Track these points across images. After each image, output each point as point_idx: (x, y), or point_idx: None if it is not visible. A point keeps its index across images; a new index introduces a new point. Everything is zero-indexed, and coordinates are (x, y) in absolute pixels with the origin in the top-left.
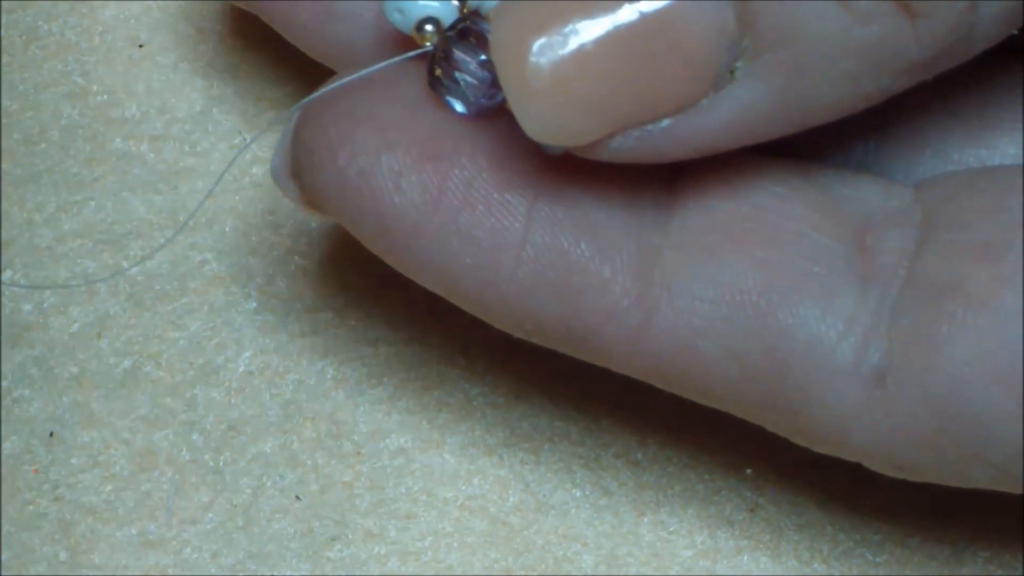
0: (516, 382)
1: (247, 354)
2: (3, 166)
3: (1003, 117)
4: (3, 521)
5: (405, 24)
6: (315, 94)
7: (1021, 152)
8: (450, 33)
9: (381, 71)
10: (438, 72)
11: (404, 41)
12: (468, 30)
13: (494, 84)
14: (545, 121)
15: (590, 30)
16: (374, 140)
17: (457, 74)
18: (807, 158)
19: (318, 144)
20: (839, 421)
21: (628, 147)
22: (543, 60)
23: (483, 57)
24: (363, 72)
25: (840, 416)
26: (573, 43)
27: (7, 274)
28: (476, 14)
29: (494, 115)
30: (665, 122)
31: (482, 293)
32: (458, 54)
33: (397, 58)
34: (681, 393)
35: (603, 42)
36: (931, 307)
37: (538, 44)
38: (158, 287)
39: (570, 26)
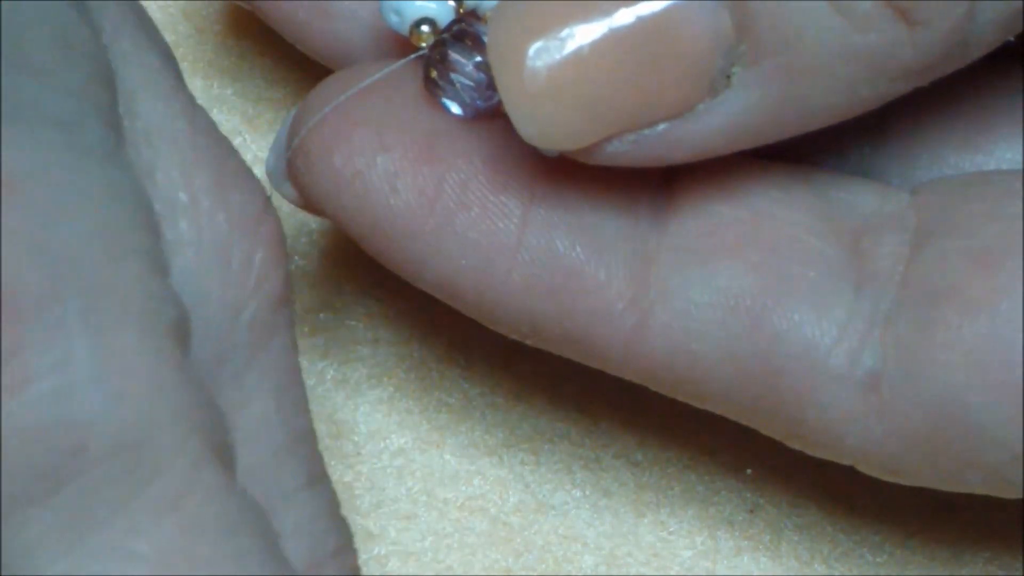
0: (516, 383)
1: None
2: None
3: (1001, 122)
4: None
5: (402, 25)
6: (326, 109)
7: (1019, 157)
8: (445, 35)
9: (377, 70)
10: (434, 74)
11: (401, 40)
12: (464, 32)
13: (490, 86)
14: (541, 124)
15: (587, 34)
16: (370, 142)
17: (453, 76)
18: (803, 162)
19: (314, 146)
20: (833, 425)
21: (624, 151)
22: (539, 64)
23: (479, 59)
24: (362, 84)
25: (834, 420)
26: (570, 47)
27: None
28: (472, 15)
29: (490, 117)
30: (661, 126)
31: (478, 295)
32: (454, 56)
33: (396, 63)
34: (676, 396)
35: (599, 46)
36: (926, 313)
37: (535, 48)
38: None
39: (567, 30)
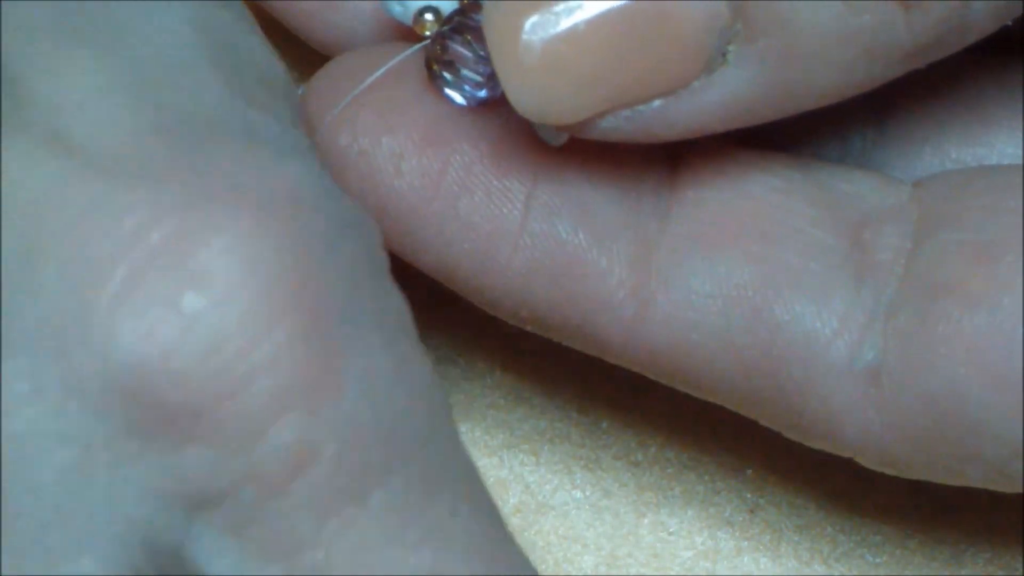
0: (516, 383)
1: None
2: None
3: (1002, 116)
4: None
5: (405, 15)
6: (341, 104)
7: (1020, 151)
8: (445, 28)
9: (383, 52)
10: (436, 67)
11: (404, 30)
12: (464, 25)
13: (493, 78)
14: (535, 98)
15: (583, 9)
16: (376, 122)
17: (456, 68)
18: (806, 153)
19: (320, 126)
20: (833, 417)
21: (619, 127)
22: (535, 38)
23: (481, 53)
24: (373, 77)
25: (834, 412)
26: (566, 22)
27: None
28: (475, 4)
29: (495, 105)
30: (656, 103)
31: (479, 279)
32: (456, 49)
33: (404, 52)
34: (675, 385)
35: (595, 21)
36: (927, 306)
37: (531, 22)
38: None
39: (563, 5)
